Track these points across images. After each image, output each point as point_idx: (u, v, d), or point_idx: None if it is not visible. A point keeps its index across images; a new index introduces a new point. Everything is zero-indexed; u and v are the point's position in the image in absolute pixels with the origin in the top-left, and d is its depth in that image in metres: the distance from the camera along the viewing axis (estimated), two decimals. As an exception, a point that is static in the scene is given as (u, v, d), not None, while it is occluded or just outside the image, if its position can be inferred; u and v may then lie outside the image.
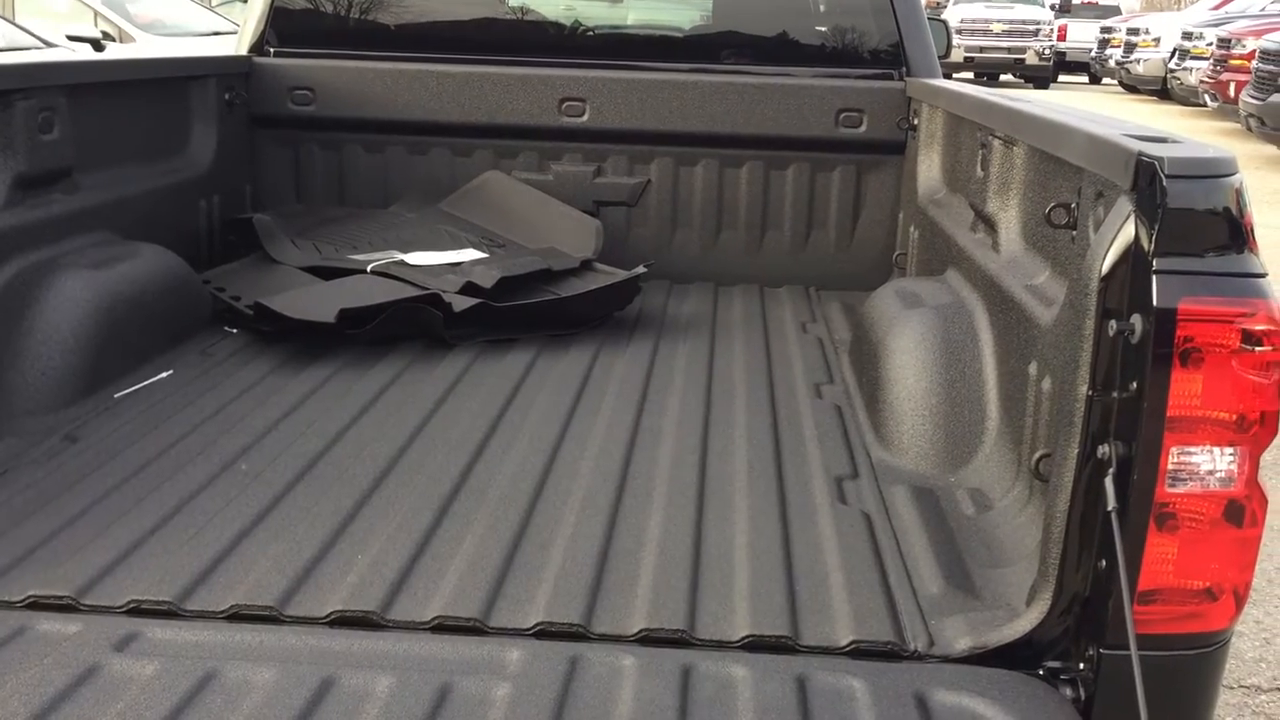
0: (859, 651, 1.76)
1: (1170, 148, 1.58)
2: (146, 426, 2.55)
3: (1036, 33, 23.68)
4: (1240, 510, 1.55)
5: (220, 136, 3.78)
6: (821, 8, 4.19)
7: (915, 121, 3.74)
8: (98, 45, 11.43)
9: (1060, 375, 1.89)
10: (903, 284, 3.02)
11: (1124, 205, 1.63)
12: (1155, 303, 1.51)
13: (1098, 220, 1.76)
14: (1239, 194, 1.53)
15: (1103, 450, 1.61)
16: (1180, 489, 1.55)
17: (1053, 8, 26.19)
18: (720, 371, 3.09)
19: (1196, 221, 1.53)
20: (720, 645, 1.78)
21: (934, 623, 1.83)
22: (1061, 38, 25.54)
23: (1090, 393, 1.65)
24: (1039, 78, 23.71)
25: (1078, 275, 1.77)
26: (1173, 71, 19.17)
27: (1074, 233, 1.92)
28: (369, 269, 3.41)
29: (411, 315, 3.18)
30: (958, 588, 1.94)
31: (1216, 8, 22.98)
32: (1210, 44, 16.87)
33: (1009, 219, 2.60)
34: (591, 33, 4.18)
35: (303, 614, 1.82)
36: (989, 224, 2.72)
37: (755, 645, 1.77)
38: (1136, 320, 1.55)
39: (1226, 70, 15.59)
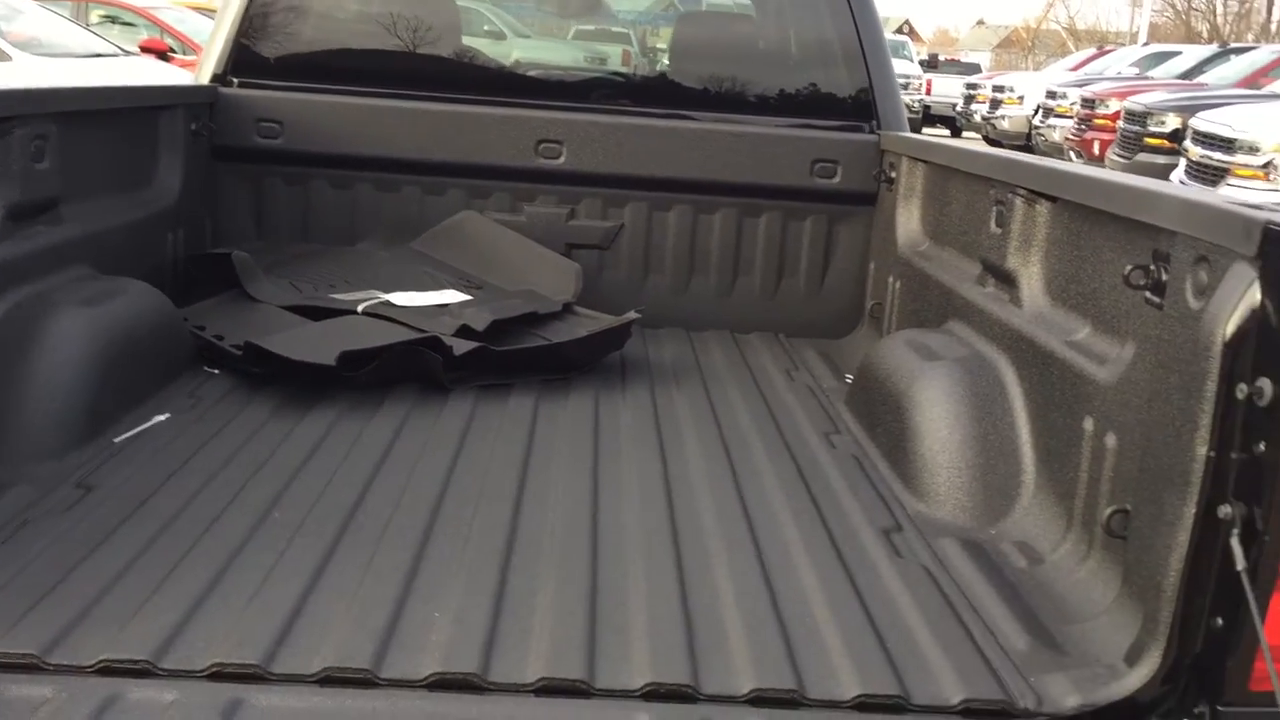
0: (971, 711, 1.76)
1: None
2: (160, 473, 2.41)
3: (906, 86, 24.54)
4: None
5: (185, 168, 3.62)
6: (795, 59, 4.26)
7: (892, 174, 3.83)
8: (-25, 63, 10.87)
9: (1147, 434, 1.93)
10: (909, 335, 3.07)
11: (1244, 271, 1.68)
12: None
13: (1200, 284, 1.81)
14: None
15: (1225, 510, 1.65)
16: (1306, 548, 1.60)
17: (921, 63, 27.23)
18: (726, 419, 3.08)
19: None
20: (832, 705, 1.76)
21: (1034, 680, 1.84)
22: (928, 92, 26.55)
23: (1211, 453, 1.69)
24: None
25: (1184, 338, 1.82)
26: (1037, 128, 20.08)
27: (1158, 297, 1.98)
28: (360, 309, 3.30)
29: (410, 358, 3.09)
30: (1043, 643, 1.96)
31: (1075, 69, 24.24)
32: (1074, 103, 17.74)
33: (1032, 275, 2.67)
34: (569, 75, 4.16)
35: (399, 676, 1.73)
36: (1005, 279, 2.78)
37: (869, 705, 1.76)
38: (1265, 384, 1.60)
39: (1091, 129, 16.40)
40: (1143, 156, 13.75)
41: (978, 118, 23.49)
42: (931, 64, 27.99)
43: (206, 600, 1.89)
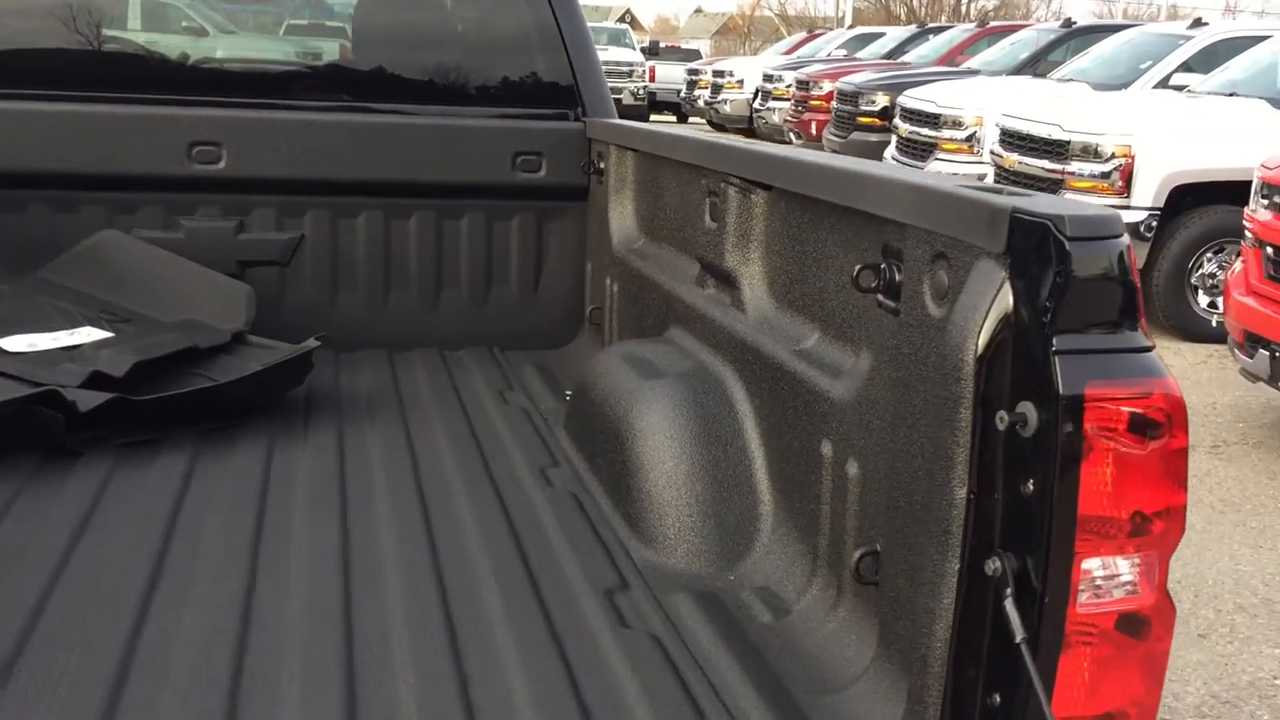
0: None
1: (1050, 203, 1.35)
2: None
3: (630, 74, 24.60)
4: (1152, 622, 1.35)
5: None
6: (490, 43, 3.83)
7: (601, 165, 3.47)
8: None
9: (893, 464, 1.63)
10: (627, 348, 2.71)
11: (993, 271, 1.38)
12: (1061, 389, 1.27)
13: (941, 287, 1.51)
14: (1130, 257, 1.32)
15: (993, 565, 1.35)
16: (1091, 604, 1.32)
17: (643, 50, 27.41)
18: (426, 461, 2.63)
19: (1097, 291, 1.31)
20: None
21: None
22: (652, 79, 26.72)
23: (971, 496, 1.39)
24: (636, 117, 24.60)
25: (926, 353, 1.52)
26: (757, 111, 20.48)
27: (892, 301, 1.68)
28: (-46, 363, 2.65)
29: (20, 420, 2.49)
30: None
31: (788, 53, 24.94)
32: (790, 86, 18.16)
33: (754, 274, 2.36)
34: (227, 65, 3.59)
35: None
36: (726, 279, 2.46)
37: None
38: (1029, 409, 1.31)
39: (807, 110, 16.81)
40: (857, 135, 14.16)
41: (701, 103, 23.81)
42: (653, 51, 28.22)
43: None
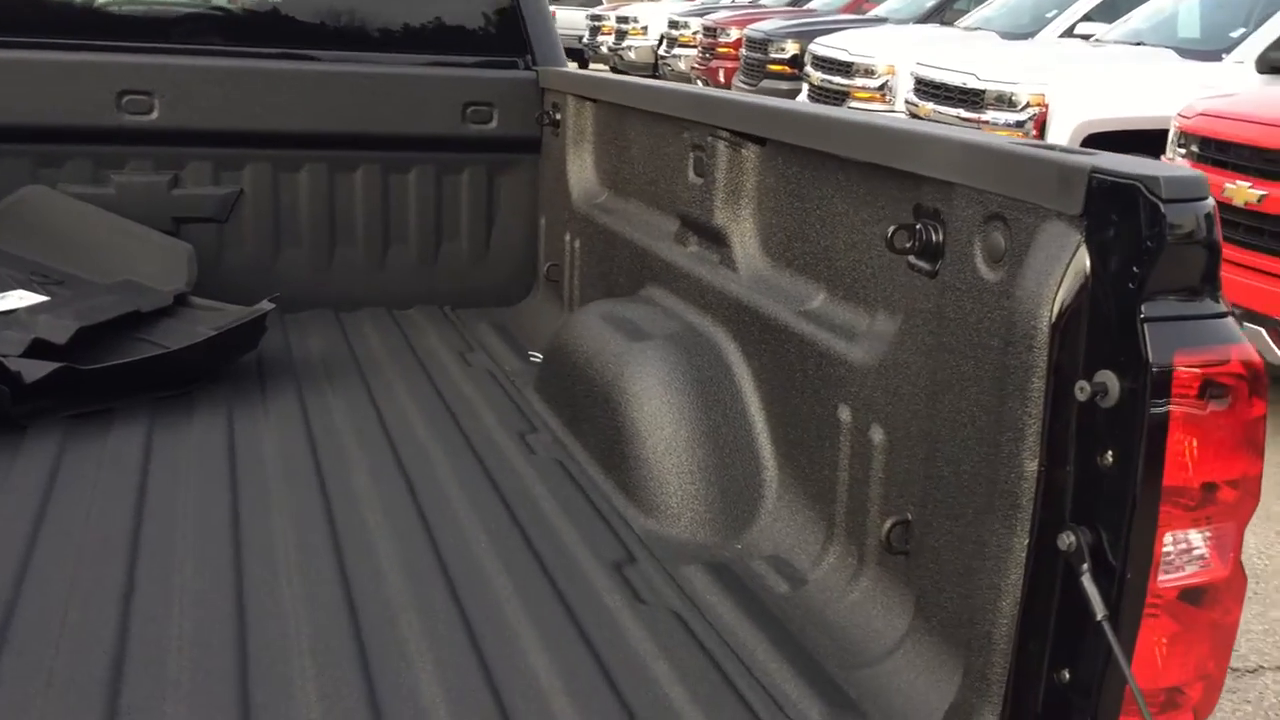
0: None
1: (1131, 162, 1.30)
2: None
3: (532, 18, 24.14)
4: (1224, 594, 1.32)
5: None
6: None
7: (557, 116, 3.35)
8: None
9: (934, 432, 1.58)
10: (605, 308, 2.62)
11: (1065, 234, 1.33)
12: (1150, 358, 1.22)
13: (996, 250, 1.46)
14: (1215, 218, 1.28)
15: (1067, 540, 1.31)
16: (1170, 578, 1.29)
17: (543, -6, 26.90)
18: (398, 429, 2.52)
19: (1187, 255, 1.26)
20: None
21: None
22: (553, 24, 26.26)
23: (1041, 468, 1.34)
24: (538, 63, 24.17)
25: (978, 317, 1.46)
26: (663, 58, 20.28)
27: (928, 262, 1.62)
28: (-120, 333, 2.45)
29: (-39, 395, 2.31)
30: (835, 705, 1.58)
31: (692, -2, 24.69)
32: (696, 32, 18.00)
33: (746, 231, 2.28)
34: (159, 9, 3.36)
35: None
36: (714, 237, 2.38)
37: None
38: (1109, 379, 1.26)
39: (715, 57, 16.67)
40: (767, 83, 14.09)
41: (604, 49, 23.49)
42: (553, -5, 27.71)
43: None
